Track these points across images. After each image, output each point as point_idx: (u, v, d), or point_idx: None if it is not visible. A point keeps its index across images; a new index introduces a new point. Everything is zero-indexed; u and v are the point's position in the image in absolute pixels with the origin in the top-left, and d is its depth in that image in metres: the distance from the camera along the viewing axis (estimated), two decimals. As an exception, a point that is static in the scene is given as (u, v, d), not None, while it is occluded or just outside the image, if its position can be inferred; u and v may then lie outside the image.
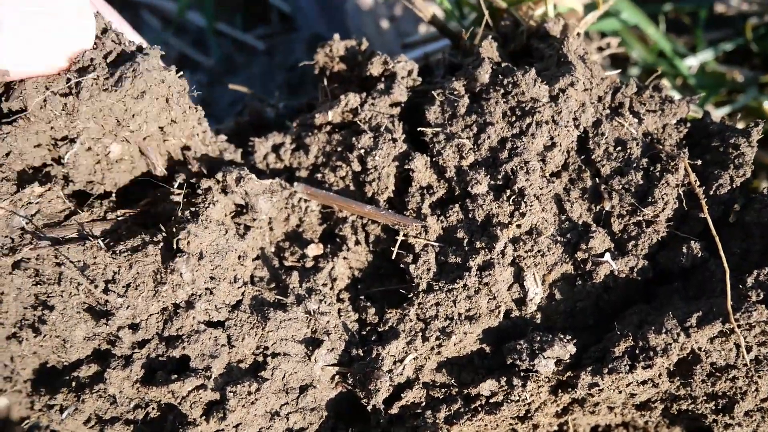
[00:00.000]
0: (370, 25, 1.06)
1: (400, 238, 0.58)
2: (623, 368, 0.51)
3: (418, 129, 0.59)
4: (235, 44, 1.15)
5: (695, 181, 0.55)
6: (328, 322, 0.56)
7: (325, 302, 0.56)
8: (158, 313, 0.52)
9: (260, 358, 0.54)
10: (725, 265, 0.51)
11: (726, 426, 0.56)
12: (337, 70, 0.68)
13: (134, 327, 0.52)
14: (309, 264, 0.60)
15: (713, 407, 0.55)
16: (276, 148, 0.64)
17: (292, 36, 1.11)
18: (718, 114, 0.96)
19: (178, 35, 1.13)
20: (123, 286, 0.51)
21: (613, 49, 0.82)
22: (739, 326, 0.51)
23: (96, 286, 0.50)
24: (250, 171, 0.61)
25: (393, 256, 0.58)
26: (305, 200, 0.61)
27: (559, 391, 0.54)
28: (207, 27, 1.11)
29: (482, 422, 0.54)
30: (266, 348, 0.54)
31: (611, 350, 0.52)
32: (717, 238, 0.52)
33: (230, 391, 0.51)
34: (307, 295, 0.56)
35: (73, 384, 0.53)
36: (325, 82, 0.66)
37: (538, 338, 0.53)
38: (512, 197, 0.56)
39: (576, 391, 0.53)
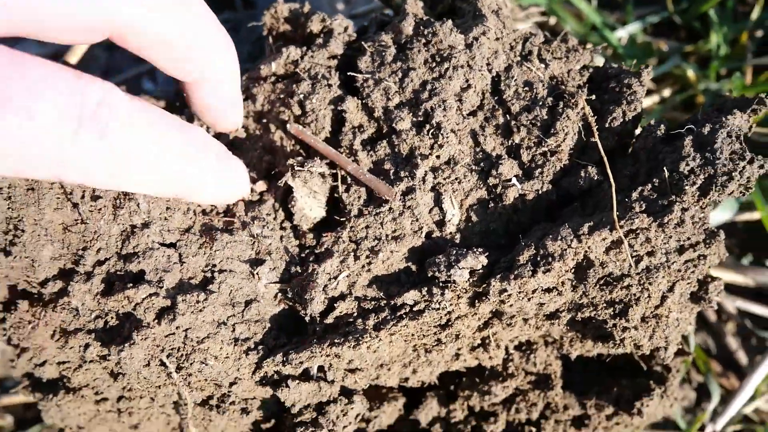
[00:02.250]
0: (326, 8, 1.13)
1: (340, 173, 0.65)
2: (527, 273, 0.58)
3: (349, 74, 0.66)
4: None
5: (590, 113, 0.63)
6: (270, 244, 0.63)
7: (268, 228, 0.64)
8: (117, 234, 0.59)
9: (208, 275, 0.61)
10: (611, 180, 0.59)
11: (624, 329, 0.64)
12: (282, 30, 0.75)
13: (96, 246, 0.59)
14: (254, 198, 0.67)
15: (611, 313, 0.63)
16: (227, 100, 0.72)
17: (255, 12, 1.18)
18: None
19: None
20: (88, 210, 0.58)
21: (537, 17, 0.89)
22: (625, 235, 0.59)
23: (62, 208, 0.57)
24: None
25: (337, 190, 0.65)
26: (250, 142, 0.69)
27: (476, 302, 0.61)
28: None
29: (407, 328, 0.61)
30: (214, 266, 0.61)
31: (516, 259, 0.59)
32: (605, 158, 0.60)
33: (181, 300, 0.58)
34: (251, 221, 0.64)
35: (41, 301, 0.60)
36: (271, 41, 0.74)
37: (454, 252, 0.60)
38: (431, 131, 0.63)
39: (489, 299, 0.60)
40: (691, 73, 1.05)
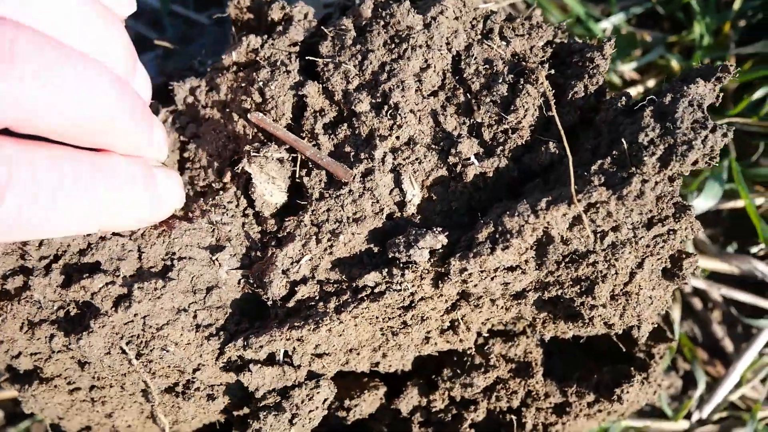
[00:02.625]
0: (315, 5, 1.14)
1: (299, 157, 0.65)
2: (486, 251, 0.57)
3: (307, 58, 0.66)
4: (188, 23, 1.22)
5: (548, 87, 0.62)
6: (230, 231, 0.63)
7: (228, 215, 0.63)
8: None
9: (168, 262, 0.61)
10: (568, 153, 0.58)
11: (592, 307, 0.62)
12: (246, 20, 0.75)
13: (47, 243, 0.59)
14: (217, 186, 0.66)
15: (578, 290, 0.62)
16: (193, 91, 0.72)
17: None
18: (625, 68, 1.03)
19: (134, 18, 1.21)
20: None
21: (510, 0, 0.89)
22: (585, 209, 0.58)
23: None
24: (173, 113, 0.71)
25: (296, 175, 0.65)
26: (215, 131, 0.69)
27: (440, 283, 0.60)
28: (161, 8, 1.18)
29: (369, 310, 0.60)
30: (173, 254, 0.61)
31: (475, 237, 0.58)
32: (562, 131, 0.59)
33: (137, 287, 0.58)
34: (211, 209, 0.63)
35: (6, 295, 0.60)
36: (234, 30, 0.74)
37: (414, 232, 0.60)
38: (389, 111, 0.63)
39: (451, 278, 0.59)
40: (675, 63, 1.04)
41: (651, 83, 1.06)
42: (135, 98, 0.54)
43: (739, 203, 0.96)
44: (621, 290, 0.63)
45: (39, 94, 0.44)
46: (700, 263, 0.95)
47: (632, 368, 0.73)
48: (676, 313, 0.94)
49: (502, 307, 0.66)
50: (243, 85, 0.69)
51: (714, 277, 0.96)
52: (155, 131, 0.60)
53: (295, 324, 0.59)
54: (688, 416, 0.91)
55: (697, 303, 0.97)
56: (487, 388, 0.74)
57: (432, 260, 0.59)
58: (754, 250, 0.97)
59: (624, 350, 0.75)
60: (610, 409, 0.73)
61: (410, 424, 0.74)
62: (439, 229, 0.60)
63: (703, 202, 0.92)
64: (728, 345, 0.95)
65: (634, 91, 1.05)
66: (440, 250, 0.59)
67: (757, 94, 0.95)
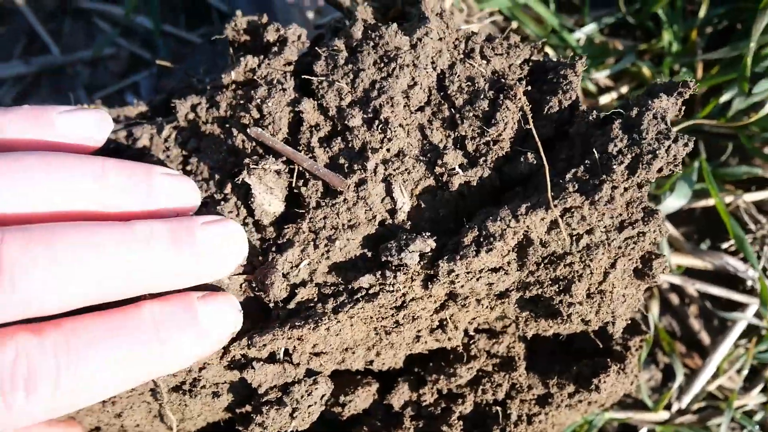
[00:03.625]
0: (298, 18, 1.19)
1: (297, 168, 0.69)
2: (471, 254, 0.63)
3: (303, 77, 0.71)
4: (180, 42, 1.27)
5: (525, 103, 0.67)
6: None
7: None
8: None
9: None
10: (545, 162, 0.63)
11: (569, 305, 0.68)
12: (243, 41, 0.80)
13: None
14: (218, 197, 0.71)
15: (557, 289, 0.67)
16: (194, 107, 0.76)
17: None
18: (599, 76, 1.09)
19: (127, 38, 1.26)
20: None
21: (491, 18, 0.94)
22: (562, 214, 0.63)
23: None
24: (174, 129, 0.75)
25: (294, 186, 0.69)
26: (215, 146, 0.73)
27: (429, 284, 0.65)
28: (154, 29, 1.23)
29: (364, 310, 0.65)
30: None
31: (461, 241, 0.64)
32: (539, 143, 0.64)
33: None
34: None
35: None
36: (231, 51, 0.79)
37: (405, 237, 0.65)
38: (380, 126, 0.68)
39: (439, 279, 0.64)
40: (646, 70, 1.09)
41: (624, 89, 1.11)
42: (158, 251, 0.55)
43: (710, 202, 1.02)
44: (596, 289, 0.68)
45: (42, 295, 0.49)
46: (675, 260, 1.01)
47: (609, 359, 0.78)
48: (654, 309, 1.00)
49: (487, 307, 0.71)
50: (242, 102, 0.73)
51: (689, 273, 1.02)
52: (203, 249, 0.59)
53: (296, 324, 0.64)
54: (668, 407, 0.96)
55: (674, 299, 1.02)
56: (473, 381, 0.78)
57: (421, 263, 0.64)
58: (725, 246, 1.03)
59: (601, 346, 0.80)
60: (589, 398, 0.78)
61: (402, 418, 0.78)
62: (428, 234, 0.65)
63: (675, 201, 0.97)
64: (705, 338, 1.00)
65: (608, 98, 1.11)
66: (429, 254, 0.64)
67: (724, 98, 1.01)
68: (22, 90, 1.18)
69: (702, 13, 1.08)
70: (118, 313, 0.55)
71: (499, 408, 0.78)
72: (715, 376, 0.96)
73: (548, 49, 1.06)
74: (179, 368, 0.59)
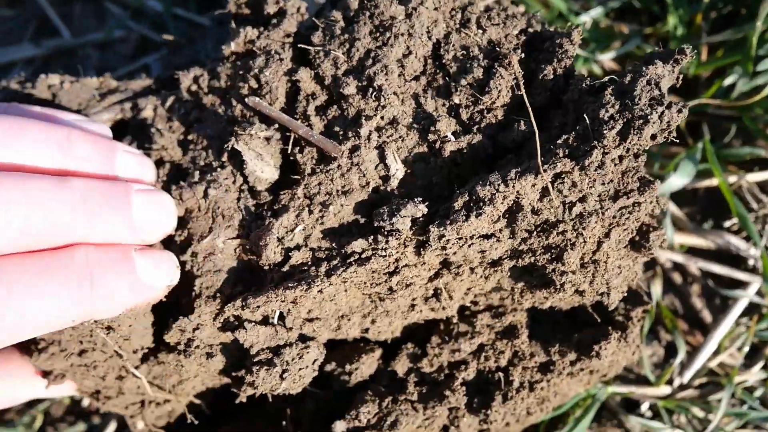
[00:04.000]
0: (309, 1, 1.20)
1: (293, 136, 0.71)
2: (461, 218, 0.63)
3: (299, 45, 0.72)
4: (191, 25, 1.29)
5: (518, 70, 0.68)
6: (225, 203, 0.69)
7: (222, 189, 0.69)
8: None
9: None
10: (534, 128, 0.64)
11: (562, 273, 0.68)
12: (245, 14, 0.81)
13: None
14: (216, 165, 0.72)
15: (549, 257, 0.67)
16: (196, 79, 0.78)
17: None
18: (604, 58, 1.08)
19: (138, 20, 1.27)
20: None
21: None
22: (552, 180, 0.63)
23: None
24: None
25: (290, 152, 0.71)
26: (215, 116, 0.75)
27: (422, 250, 0.66)
28: (164, 11, 1.25)
29: (356, 274, 0.66)
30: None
31: (452, 206, 0.64)
32: (530, 109, 0.65)
33: None
34: (208, 185, 0.69)
35: None
36: (233, 24, 0.80)
37: (396, 203, 0.65)
38: (374, 93, 0.69)
39: (431, 245, 0.65)
40: (650, 53, 1.09)
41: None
42: (87, 193, 0.58)
43: (713, 182, 1.01)
44: (590, 258, 0.68)
45: None
46: (678, 239, 1.00)
47: (609, 327, 0.78)
48: (657, 287, 1.00)
49: (481, 276, 0.71)
50: (241, 72, 0.75)
51: (692, 252, 1.01)
52: (137, 214, 0.62)
53: (289, 285, 0.65)
54: (670, 382, 0.96)
55: (677, 277, 1.02)
56: (477, 348, 0.79)
57: (413, 228, 0.65)
58: (727, 224, 1.03)
59: (599, 320, 0.80)
60: (591, 366, 0.78)
61: (406, 383, 0.79)
62: (420, 199, 0.65)
63: (678, 179, 0.97)
64: (707, 316, 1.00)
65: (613, 80, 1.10)
66: (421, 219, 0.65)
67: (728, 80, 1.00)
68: (33, 72, 1.20)
69: (707, -3, 1.08)
70: (50, 254, 0.57)
71: (501, 374, 0.79)
72: (716, 352, 0.95)
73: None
74: (112, 313, 0.61)
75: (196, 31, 1.29)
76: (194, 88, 0.78)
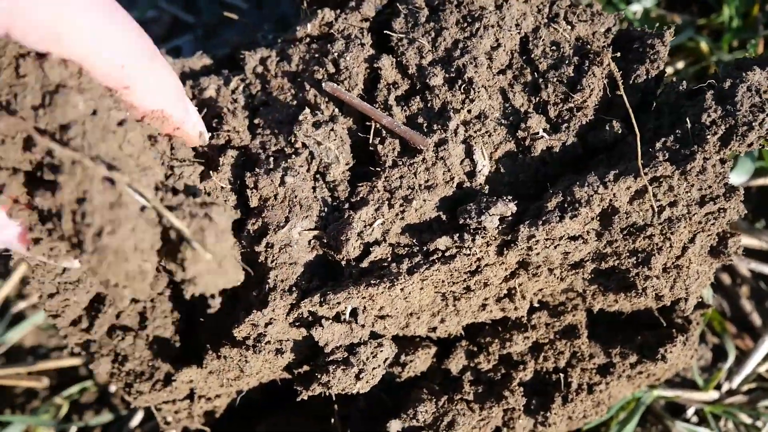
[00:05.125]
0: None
1: (373, 126, 0.68)
2: (555, 219, 0.61)
3: (385, 32, 0.69)
4: (224, 6, 1.25)
5: (615, 69, 0.66)
6: (302, 192, 0.66)
7: (299, 177, 0.67)
8: None
9: None
10: (636, 129, 0.62)
11: (646, 278, 0.66)
12: (316, -5, 0.78)
13: None
14: (289, 151, 0.70)
15: (634, 261, 0.66)
16: (263, 61, 0.75)
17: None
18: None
19: (169, 1, 1.24)
20: None
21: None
22: (649, 183, 0.62)
23: None
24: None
25: (370, 141, 0.68)
26: (285, 99, 0.72)
27: (505, 250, 0.64)
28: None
29: (438, 273, 0.64)
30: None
31: (545, 206, 0.62)
32: (630, 111, 0.63)
33: None
34: (285, 172, 0.67)
35: None
36: (305, 5, 0.77)
37: (485, 200, 0.63)
38: (463, 86, 0.66)
39: (517, 245, 0.63)
40: (704, 46, 1.07)
41: (680, 65, 1.09)
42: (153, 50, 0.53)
43: (767, 180, 1.00)
44: (673, 263, 0.67)
45: None
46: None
47: (674, 330, 0.76)
48: (706, 289, 0.99)
49: (558, 277, 0.69)
50: (316, 56, 0.72)
51: (743, 252, 1.00)
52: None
53: (372, 282, 0.63)
54: (718, 387, 0.95)
55: (725, 278, 1.01)
56: (535, 347, 0.78)
57: (500, 227, 0.63)
58: (781, 224, 1.02)
59: (661, 320, 0.79)
60: (651, 370, 0.76)
61: (461, 383, 0.77)
62: (510, 197, 0.63)
63: (736, 177, 0.96)
64: (756, 319, 0.99)
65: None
66: (509, 218, 0.63)
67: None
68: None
69: (765, -13, 1.06)
70: None
71: (560, 376, 0.77)
72: (766, 357, 0.95)
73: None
74: None
75: (229, 10, 1.25)
76: (260, 69, 0.75)
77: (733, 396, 0.94)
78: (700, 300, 0.82)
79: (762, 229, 0.99)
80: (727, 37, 1.06)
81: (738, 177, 0.96)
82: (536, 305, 0.77)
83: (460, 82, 0.66)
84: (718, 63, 1.05)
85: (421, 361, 0.75)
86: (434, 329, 0.74)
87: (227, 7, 1.26)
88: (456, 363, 0.77)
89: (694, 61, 1.10)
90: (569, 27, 0.70)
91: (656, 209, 0.63)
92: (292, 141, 0.69)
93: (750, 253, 1.01)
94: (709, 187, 0.63)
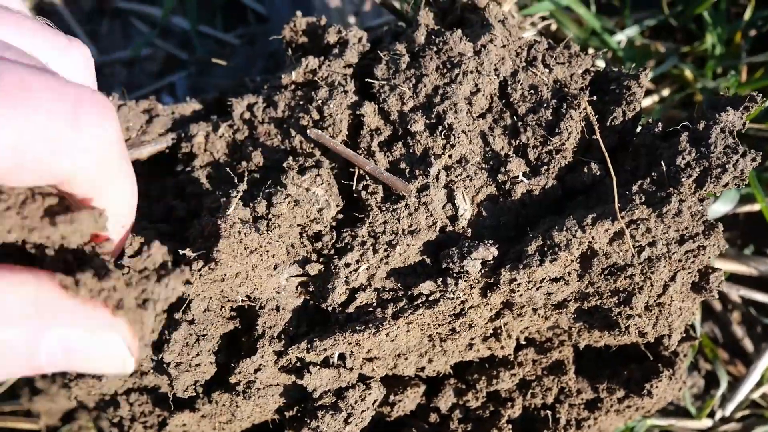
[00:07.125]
0: (338, 20, 1.18)
1: (357, 172, 0.69)
2: (535, 263, 0.62)
3: (366, 80, 0.71)
4: (218, 43, 1.27)
5: (591, 113, 0.67)
6: (288, 238, 0.68)
7: (286, 224, 0.68)
8: None
9: None
10: (612, 173, 0.63)
11: (628, 317, 0.67)
12: (300, 43, 0.80)
13: None
14: (276, 199, 0.71)
15: (616, 301, 0.67)
16: (250, 107, 0.76)
17: (268, 26, 1.24)
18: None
19: (164, 38, 1.26)
20: None
21: (542, 23, 0.94)
22: (627, 225, 0.63)
23: None
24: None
25: (354, 188, 0.69)
26: (271, 145, 0.73)
27: (488, 292, 0.65)
28: (191, 29, 1.23)
29: (423, 317, 0.65)
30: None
31: (525, 249, 0.63)
32: (606, 154, 0.64)
33: None
34: (271, 219, 0.68)
35: None
36: (290, 52, 0.79)
37: (467, 244, 0.65)
38: (443, 132, 0.68)
39: (500, 288, 0.64)
40: (688, 73, 1.09)
41: (665, 92, 1.10)
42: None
43: (755, 207, 1.01)
44: (655, 301, 0.68)
45: None
46: (719, 266, 1.00)
47: (659, 365, 0.77)
48: (697, 315, 0.99)
49: (542, 316, 0.70)
50: (301, 103, 0.73)
51: (733, 278, 1.01)
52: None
53: (357, 328, 0.64)
54: (711, 415, 0.95)
55: (716, 304, 1.02)
56: (522, 384, 0.78)
57: (483, 271, 0.64)
58: (769, 250, 1.03)
59: (651, 358, 0.79)
60: (639, 404, 0.77)
61: (449, 421, 0.78)
62: (491, 241, 0.64)
63: (721, 206, 0.97)
64: (748, 345, 1.00)
65: (650, 100, 1.10)
66: (491, 262, 0.64)
67: (770, 102, 1.00)
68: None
69: (747, 15, 1.07)
70: None
71: (548, 412, 0.78)
72: (759, 384, 0.95)
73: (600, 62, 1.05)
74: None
75: (222, 48, 1.28)
76: (248, 115, 0.76)
77: (727, 423, 0.94)
78: (687, 333, 0.83)
79: (751, 256, 1.00)
80: (710, 64, 1.07)
81: (723, 205, 0.97)
82: (523, 342, 0.78)
83: (440, 128, 0.68)
84: (703, 90, 1.07)
85: (410, 400, 0.76)
86: (422, 369, 0.75)
87: (220, 45, 1.29)
88: (445, 401, 0.78)
89: (679, 88, 1.11)
90: (547, 70, 0.71)
91: (635, 250, 0.64)
92: (280, 187, 0.71)
93: (740, 279, 1.02)
94: (686, 228, 0.64)
